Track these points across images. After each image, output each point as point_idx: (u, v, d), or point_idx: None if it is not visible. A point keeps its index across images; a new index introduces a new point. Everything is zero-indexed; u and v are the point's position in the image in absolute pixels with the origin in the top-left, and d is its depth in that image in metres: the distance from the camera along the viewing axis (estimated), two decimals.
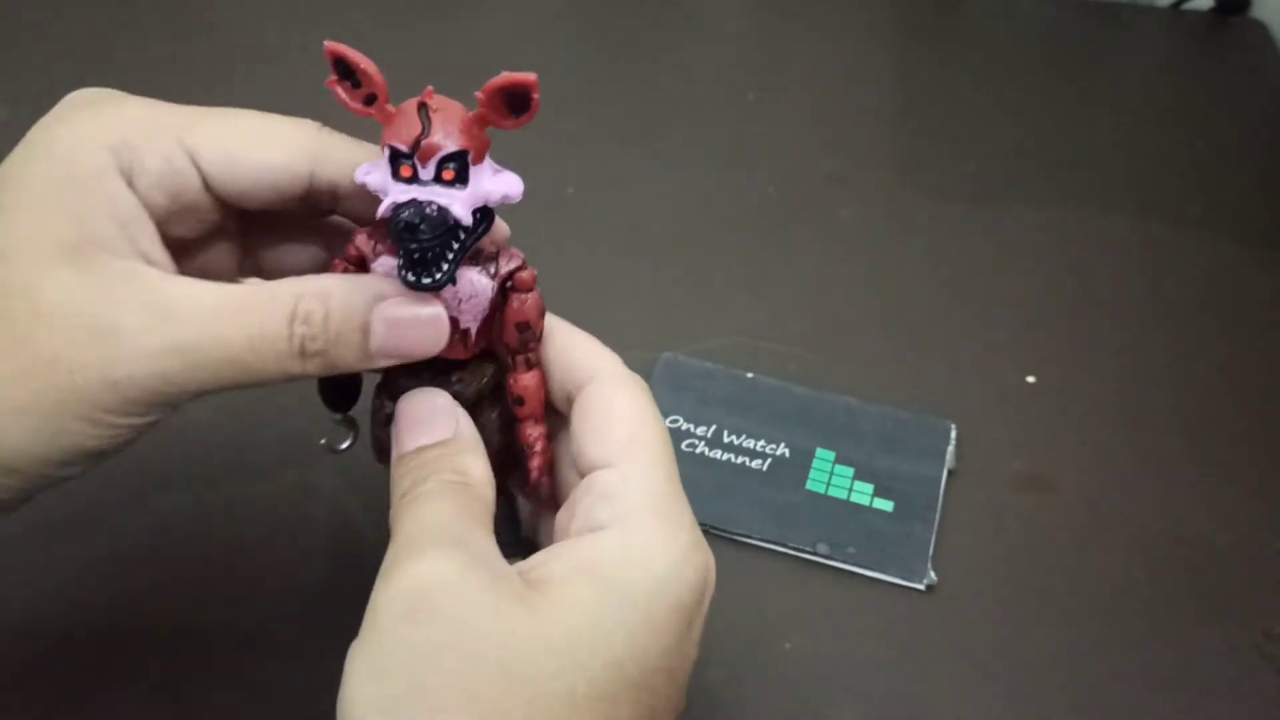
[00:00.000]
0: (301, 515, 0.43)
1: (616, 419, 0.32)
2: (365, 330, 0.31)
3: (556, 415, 0.35)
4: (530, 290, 0.33)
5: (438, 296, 0.31)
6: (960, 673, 0.39)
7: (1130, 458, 0.46)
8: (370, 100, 0.30)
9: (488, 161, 0.31)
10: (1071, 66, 0.69)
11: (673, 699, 0.30)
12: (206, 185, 0.32)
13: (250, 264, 0.36)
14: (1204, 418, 0.48)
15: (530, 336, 0.33)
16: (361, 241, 0.32)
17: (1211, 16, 0.73)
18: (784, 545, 0.42)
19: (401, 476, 0.32)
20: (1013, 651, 0.40)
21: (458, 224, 0.30)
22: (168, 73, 0.63)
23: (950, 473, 0.45)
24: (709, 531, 0.42)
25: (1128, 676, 0.39)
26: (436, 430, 0.32)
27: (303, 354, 0.30)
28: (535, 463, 0.34)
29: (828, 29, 0.71)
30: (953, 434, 0.46)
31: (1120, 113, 0.65)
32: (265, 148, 0.32)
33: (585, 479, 0.32)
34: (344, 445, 0.36)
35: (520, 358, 0.33)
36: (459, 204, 0.29)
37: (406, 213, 0.29)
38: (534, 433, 0.34)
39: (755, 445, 0.45)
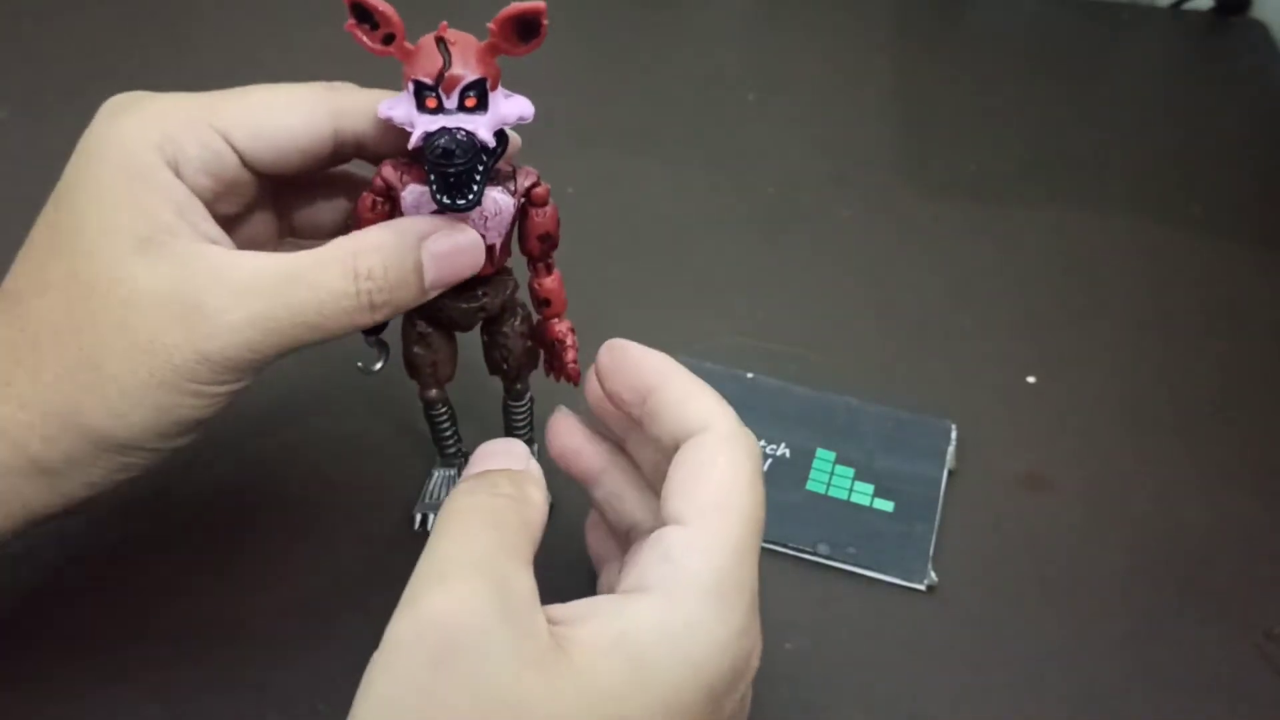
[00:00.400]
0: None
1: (710, 479, 0.31)
2: (419, 270, 0.33)
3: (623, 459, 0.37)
4: (546, 204, 0.36)
5: (466, 217, 0.34)
6: (960, 673, 0.39)
7: (1130, 458, 0.46)
8: (389, 40, 0.32)
9: (500, 88, 0.33)
10: (1071, 66, 0.69)
11: None
12: (243, 161, 0.35)
13: (285, 227, 0.39)
14: (1203, 417, 0.48)
15: (550, 245, 0.36)
16: (388, 173, 0.34)
17: (1211, 16, 0.73)
18: (784, 545, 0.42)
19: (460, 492, 0.32)
20: (1013, 651, 0.40)
21: (484, 147, 0.32)
22: (168, 71, 0.63)
23: (950, 473, 0.45)
24: None
25: (1127, 676, 0.39)
26: (510, 462, 0.34)
27: (371, 307, 0.33)
28: (569, 356, 0.38)
29: (828, 29, 0.71)
30: (953, 434, 0.46)
31: (1120, 113, 0.65)
32: (287, 114, 0.35)
33: (656, 532, 0.31)
34: (377, 366, 0.39)
35: (541, 265, 0.37)
36: (483, 128, 0.32)
37: (442, 140, 0.31)
38: (562, 327, 0.38)
39: None
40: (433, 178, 0.32)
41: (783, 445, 0.46)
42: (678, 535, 0.30)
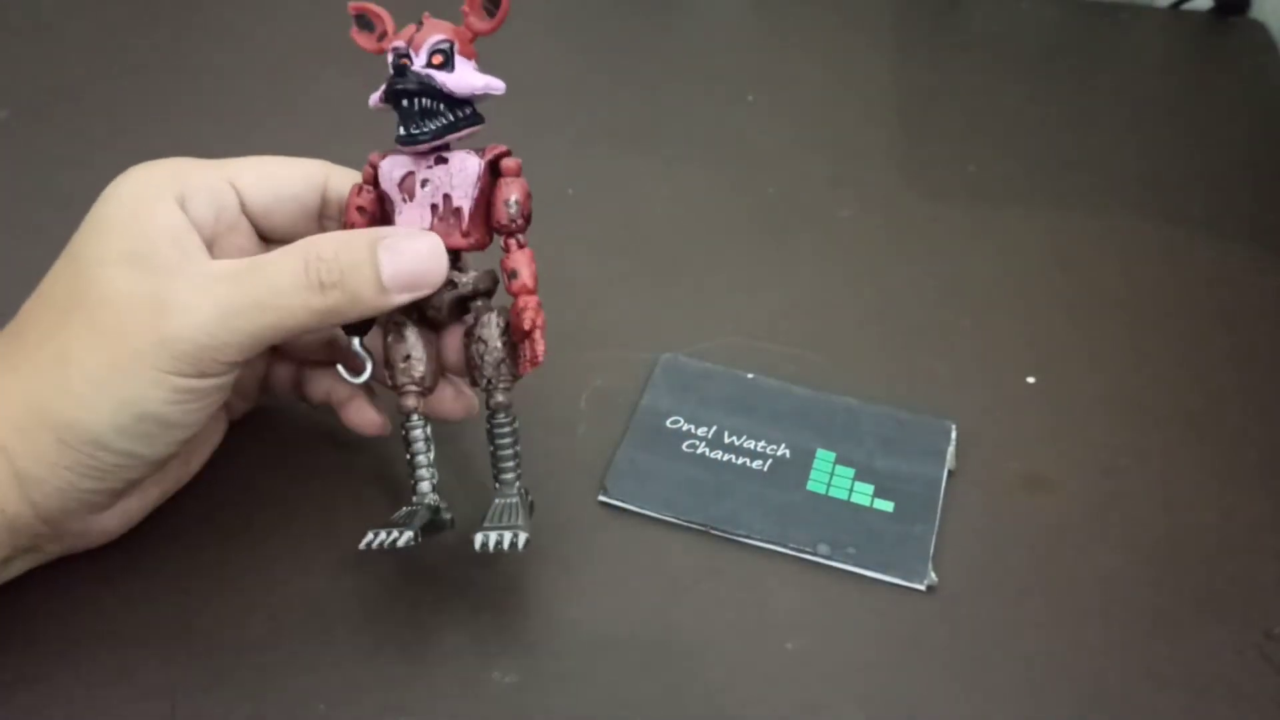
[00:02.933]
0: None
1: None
2: (374, 262, 0.35)
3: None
4: (517, 176, 0.37)
5: (429, 168, 0.37)
6: (960, 673, 0.39)
7: (1130, 458, 0.46)
8: (382, 37, 0.37)
9: (475, 64, 0.37)
10: (1071, 66, 0.69)
11: None
12: (244, 208, 0.39)
13: None
14: (1204, 417, 0.48)
15: (518, 213, 0.37)
16: (374, 157, 0.38)
17: (1211, 16, 0.73)
18: (784, 546, 0.42)
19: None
20: (1013, 651, 0.40)
21: (445, 91, 0.36)
22: (167, 72, 0.63)
23: (950, 473, 0.45)
24: (709, 532, 0.43)
25: (1128, 676, 0.39)
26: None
27: (321, 286, 0.35)
28: (538, 349, 0.36)
29: (828, 29, 0.71)
30: (953, 434, 0.46)
31: (1120, 113, 0.65)
32: (289, 167, 0.40)
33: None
34: (361, 377, 0.39)
35: (511, 240, 0.37)
36: (449, 79, 0.36)
37: (400, 76, 0.35)
38: (530, 314, 0.36)
39: (756, 446, 0.45)
40: (398, 118, 0.36)
41: (783, 445, 0.46)
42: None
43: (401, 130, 0.36)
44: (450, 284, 0.37)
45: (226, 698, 0.37)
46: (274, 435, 0.45)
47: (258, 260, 0.36)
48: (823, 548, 0.42)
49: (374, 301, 0.36)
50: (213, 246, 0.38)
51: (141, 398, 0.34)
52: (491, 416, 0.38)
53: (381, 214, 0.38)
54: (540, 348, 0.36)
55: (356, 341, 0.39)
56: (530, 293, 0.37)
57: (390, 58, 0.36)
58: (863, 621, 0.40)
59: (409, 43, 0.36)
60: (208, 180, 0.38)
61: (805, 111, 0.64)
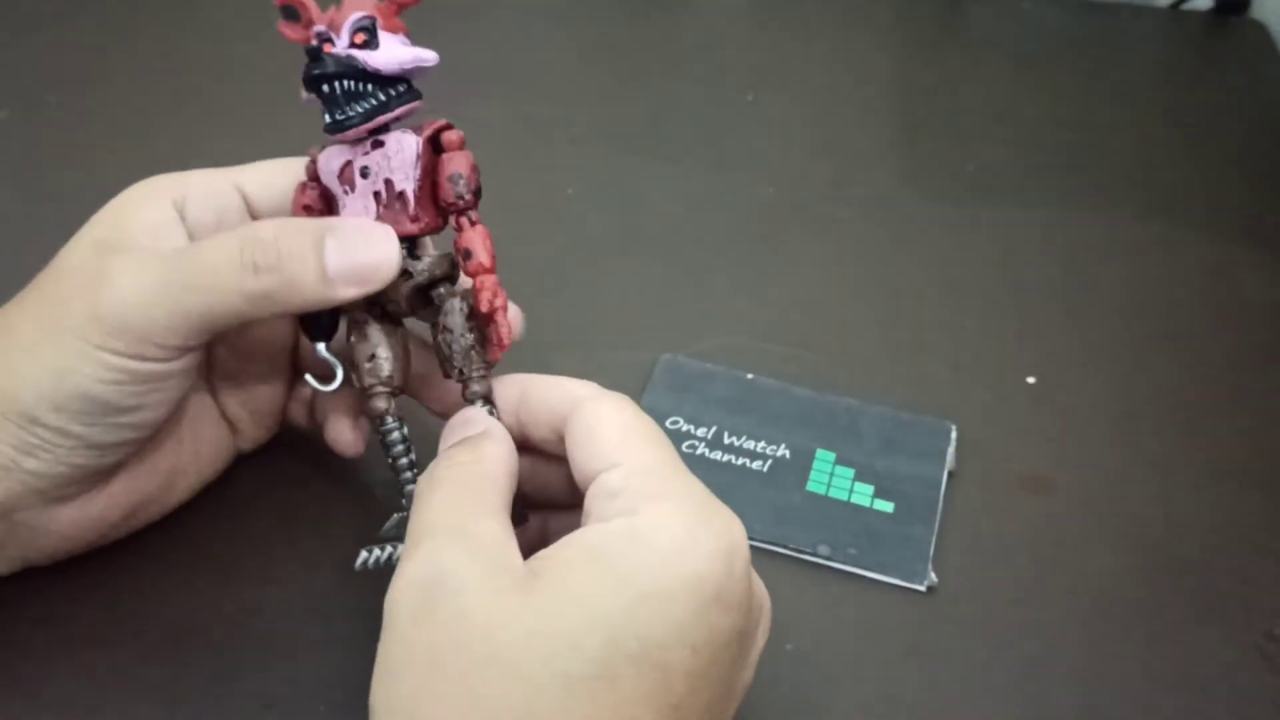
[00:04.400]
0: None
1: (605, 427, 0.33)
2: (317, 248, 0.34)
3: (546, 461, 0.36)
4: (461, 149, 0.35)
5: (366, 154, 0.35)
6: (960, 673, 0.39)
7: (1130, 458, 0.46)
8: (309, 25, 0.35)
9: (403, 37, 0.35)
10: (1071, 67, 0.69)
11: (708, 674, 0.29)
12: (251, 211, 0.38)
13: None
14: (1203, 418, 0.48)
15: (465, 188, 0.34)
16: (313, 151, 0.36)
17: (1211, 16, 0.73)
18: (784, 546, 0.42)
19: (424, 475, 0.33)
20: (1013, 652, 0.40)
21: (371, 69, 0.33)
22: (168, 72, 0.63)
23: (951, 474, 0.45)
24: None
25: (1128, 677, 0.39)
26: (467, 430, 0.34)
27: (255, 268, 0.33)
28: (502, 331, 0.34)
29: (828, 29, 0.71)
30: (953, 435, 0.46)
31: (1120, 113, 0.65)
32: (295, 174, 0.38)
33: (590, 487, 0.32)
34: (332, 386, 0.38)
35: (462, 218, 0.35)
36: (372, 56, 0.34)
37: (315, 61, 0.33)
38: (488, 294, 0.34)
39: (755, 446, 0.45)
40: (321, 106, 0.34)
41: (783, 446, 0.46)
42: (611, 474, 0.31)
43: (327, 118, 0.34)
44: (405, 274, 0.35)
45: (226, 698, 0.37)
46: (275, 433, 0.45)
47: (199, 242, 0.35)
48: (823, 548, 0.42)
49: (315, 291, 0.34)
50: None
51: (71, 370, 0.33)
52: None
53: (329, 210, 0.36)
54: (505, 330, 0.34)
55: (322, 347, 0.37)
56: (488, 271, 0.34)
57: (313, 43, 0.34)
58: (863, 622, 0.40)
59: (330, 25, 0.34)
60: (210, 184, 0.37)
61: (805, 111, 0.64)
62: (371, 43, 0.34)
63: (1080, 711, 0.38)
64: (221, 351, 0.40)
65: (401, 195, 0.34)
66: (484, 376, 0.35)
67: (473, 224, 0.35)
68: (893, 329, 0.52)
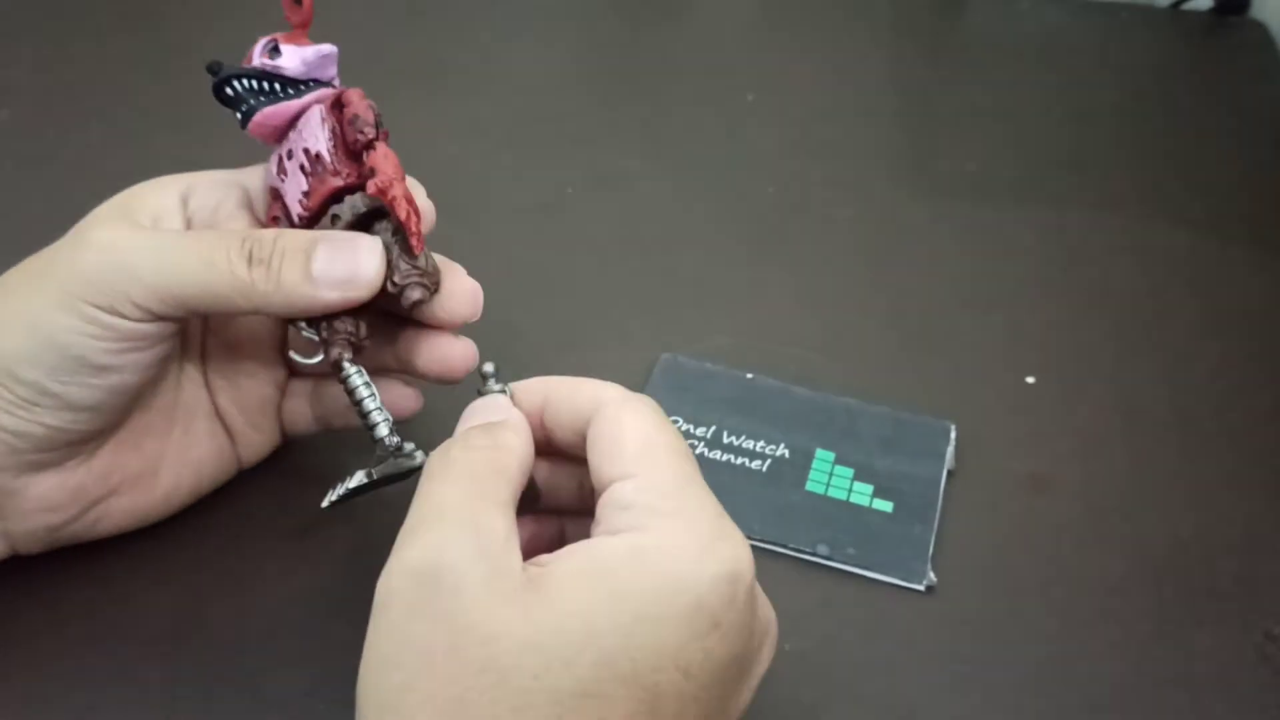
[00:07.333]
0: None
1: (627, 434, 0.32)
2: (309, 252, 0.35)
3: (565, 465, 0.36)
4: (359, 99, 0.37)
5: (288, 140, 0.37)
6: (960, 673, 0.39)
7: (1130, 458, 0.46)
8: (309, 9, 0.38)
9: (308, 42, 0.38)
10: (1071, 66, 0.69)
11: (700, 698, 0.29)
12: (248, 203, 0.39)
13: None
14: (1203, 418, 0.48)
15: (362, 124, 0.37)
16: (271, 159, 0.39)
17: (1211, 17, 0.73)
18: (784, 546, 0.42)
19: (437, 452, 0.33)
20: (1013, 652, 0.40)
21: (274, 70, 0.37)
22: (167, 73, 0.63)
23: (950, 473, 0.45)
24: None
25: (1127, 676, 0.39)
26: (489, 415, 0.34)
27: (250, 260, 0.35)
28: (400, 212, 0.35)
29: (828, 29, 0.71)
30: (953, 434, 0.46)
31: (1120, 113, 0.65)
32: None
33: (603, 495, 0.31)
34: (315, 359, 0.38)
35: (371, 153, 0.36)
36: (276, 61, 0.37)
37: (213, 75, 0.37)
38: (378, 181, 0.36)
39: (755, 446, 0.45)
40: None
41: (782, 445, 0.46)
42: (625, 485, 0.31)
43: (238, 115, 0.37)
44: (335, 218, 0.37)
45: (226, 698, 0.37)
46: (275, 446, 0.45)
47: (206, 228, 0.37)
48: (822, 548, 0.42)
49: (300, 290, 0.35)
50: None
51: (48, 321, 0.34)
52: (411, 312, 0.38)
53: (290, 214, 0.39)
54: (403, 209, 0.36)
55: (303, 324, 0.38)
56: (391, 180, 0.36)
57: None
58: (863, 621, 0.40)
59: (245, 63, 0.37)
60: (214, 178, 0.38)
61: (805, 111, 0.64)
62: (276, 55, 0.37)
63: (1080, 711, 0.38)
64: (212, 343, 0.41)
65: (319, 157, 0.37)
66: (418, 284, 0.37)
67: (377, 150, 0.37)
68: (892, 329, 0.52)
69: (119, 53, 0.65)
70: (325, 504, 0.36)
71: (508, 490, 0.32)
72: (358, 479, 0.36)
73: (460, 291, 0.38)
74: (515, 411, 0.34)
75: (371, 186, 0.36)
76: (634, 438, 0.32)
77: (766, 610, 0.32)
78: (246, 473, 0.43)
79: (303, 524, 0.42)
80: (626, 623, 0.28)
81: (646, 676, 0.28)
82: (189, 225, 0.37)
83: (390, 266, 0.36)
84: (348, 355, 0.37)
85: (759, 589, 0.31)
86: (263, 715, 0.37)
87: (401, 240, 0.37)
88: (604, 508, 0.31)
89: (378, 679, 0.29)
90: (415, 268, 0.37)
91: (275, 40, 0.37)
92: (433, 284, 0.37)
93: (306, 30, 0.37)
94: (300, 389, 0.42)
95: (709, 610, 0.29)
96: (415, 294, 0.37)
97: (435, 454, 0.33)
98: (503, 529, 0.30)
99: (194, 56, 0.67)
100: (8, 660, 0.38)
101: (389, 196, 0.36)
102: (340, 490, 0.36)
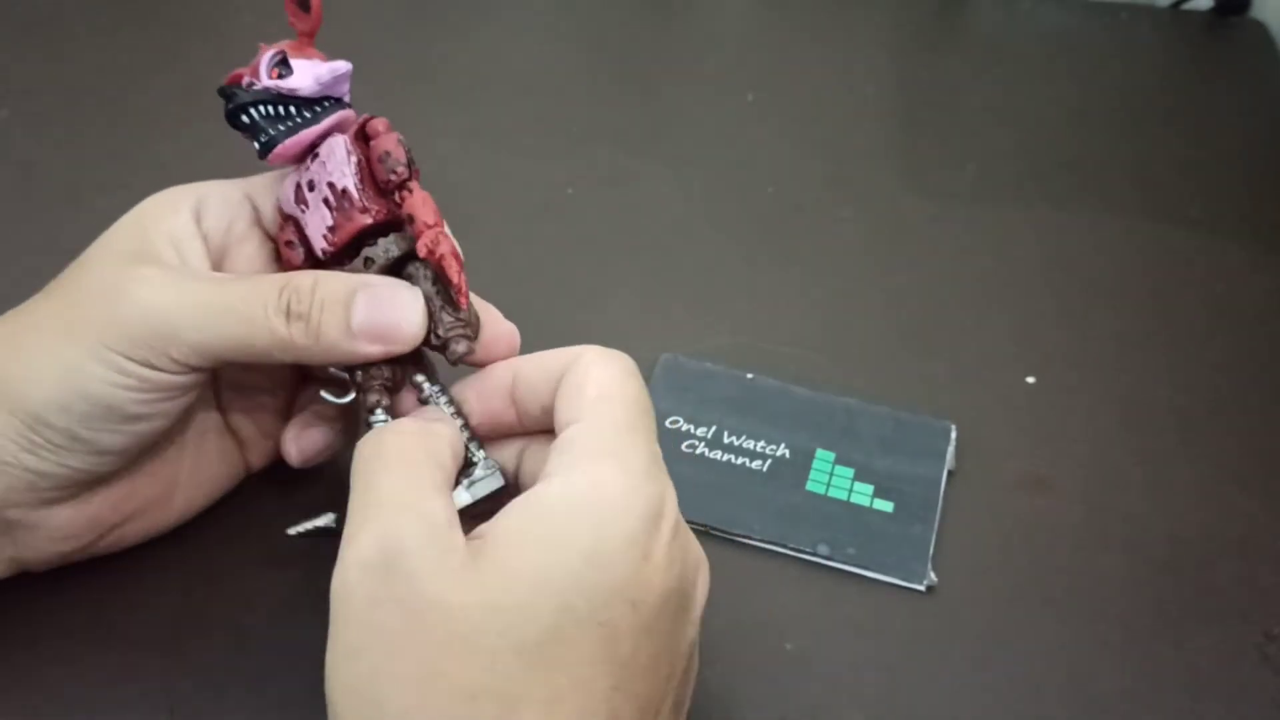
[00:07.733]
0: None
1: (589, 383, 0.33)
2: (348, 304, 0.34)
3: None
4: (387, 132, 0.36)
5: (308, 170, 0.36)
6: (960, 673, 0.39)
7: (1130, 458, 0.46)
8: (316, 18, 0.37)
9: (318, 60, 0.36)
10: (1071, 67, 0.69)
11: (651, 629, 0.30)
12: (260, 223, 0.38)
13: None
14: (1203, 418, 0.48)
15: (395, 163, 0.35)
16: (277, 191, 0.38)
17: (1211, 16, 0.73)
18: (784, 546, 0.42)
19: (366, 441, 0.34)
20: (1013, 652, 0.40)
21: (287, 92, 0.35)
22: (167, 72, 0.63)
23: (950, 473, 0.45)
24: (709, 532, 0.43)
25: (1128, 677, 0.39)
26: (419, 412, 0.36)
27: (288, 314, 0.34)
28: (451, 272, 0.34)
29: (828, 29, 0.71)
30: (953, 434, 0.46)
31: (1120, 113, 0.65)
32: None
33: (555, 440, 0.33)
34: (348, 396, 0.38)
35: (403, 193, 0.36)
36: (285, 81, 0.35)
37: (227, 100, 0.35)
38: (426, 238, 0.35)
39: (755, 446, 0.45)
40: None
41: (782, 445, 0.46)
42: (571, 429, 0.32)
43: (255, 145, 0.35)
44: (369, 261, 0.36)
45: (226, 698, 0.37)
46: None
47: (243, 275, 0.36)
48: (822, 548, 0.42)
49: (340, 345, 0.34)
50: (224, 257, 0.37)
51: (82, 371, 0.33)
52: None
53: (305, 240, 0.37)
54: (454, 270, 0.35)
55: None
56: (431, 228, 0.35)
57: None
58: (863, 621, 0.40)
59: (252, 74, 0.36)
60: (225, 193, 0.38)
61: (805, 111, 0.64)
62: (286, 73, 0.35)
63: (1080, 711, 0.38)
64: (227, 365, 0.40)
65: (345, 192, 0.35)
66: (462, 336, 0.36)
67: (412, 193, 0.36)
68: (892, 328, 0.52)
69: (119, 53, 0.65)
70: (292, 531, 0.36)
71: (441, 474, 0.33)
72: (326, 519, 0.37)
73: (498, 338, 0.37)
74: (442, 412, 0.36)
75: (422, 249, 0.34)
76: (594, 386, 0.33)
77: (696, 547, 0.33)
78: (247, 475, 0.43)
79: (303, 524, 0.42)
80: (576, 566, 0.29)
81: (600, 613, 0.29)
82: (208, 252, 0.37)
83: (433, 319, 0.35)
84: (384, 402, 0.36)
85: (685, 526, 0.33)
86: (263, 715, 0.37)
87: (443, 291, 0.36)
88: (552, 452, 0.32)
89: (346, 670, 0.29)
90: (459, 320, 0.35)
91: (283, 52, 0.36)
92: (475, 334, 0.36)
93: (313, 38, 0.36)
94: (311, 394, 0.42)
95: (640, 544, 0.30)
96: (460, 348, 0.35)
97: (366, 441, 0.33)
98: (443, 511, 0.31)
99: (194, 57, 0.67)
100: (9, 661, 0.38)
101: (437, 256, 0.34)
102: (306, 528, 0.37)
